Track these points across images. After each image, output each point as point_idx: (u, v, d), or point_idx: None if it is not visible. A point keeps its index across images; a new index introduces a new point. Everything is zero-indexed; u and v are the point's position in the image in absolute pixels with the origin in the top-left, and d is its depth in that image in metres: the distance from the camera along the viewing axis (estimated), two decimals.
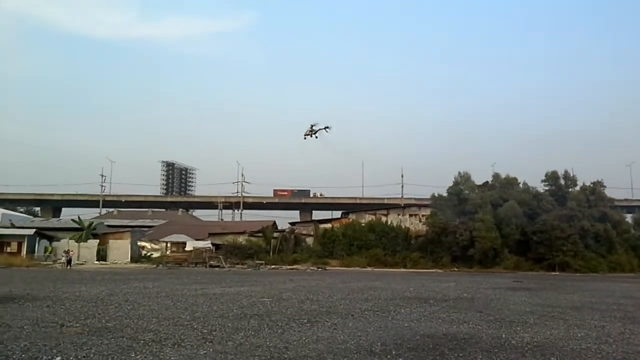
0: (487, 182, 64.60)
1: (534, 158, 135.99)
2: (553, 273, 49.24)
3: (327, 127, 42.38)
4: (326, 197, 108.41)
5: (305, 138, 42.49)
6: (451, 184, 60.96)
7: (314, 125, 42.26)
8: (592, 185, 61.21)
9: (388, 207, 72.44)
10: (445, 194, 60.47)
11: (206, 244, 53.52)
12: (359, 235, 55.87)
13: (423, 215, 62.02)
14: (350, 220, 61.74)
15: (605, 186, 61.92)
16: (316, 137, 42.65)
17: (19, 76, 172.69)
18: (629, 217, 64.42)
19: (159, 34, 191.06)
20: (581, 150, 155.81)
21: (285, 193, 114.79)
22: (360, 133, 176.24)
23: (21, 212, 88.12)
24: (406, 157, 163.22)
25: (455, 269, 50.08)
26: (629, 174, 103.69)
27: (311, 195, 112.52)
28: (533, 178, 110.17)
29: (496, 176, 64.58)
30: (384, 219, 61.13)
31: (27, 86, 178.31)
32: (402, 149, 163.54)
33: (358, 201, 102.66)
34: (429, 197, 63.69)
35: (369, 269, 48.13)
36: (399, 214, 64.07)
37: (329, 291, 20.78)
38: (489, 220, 53.18)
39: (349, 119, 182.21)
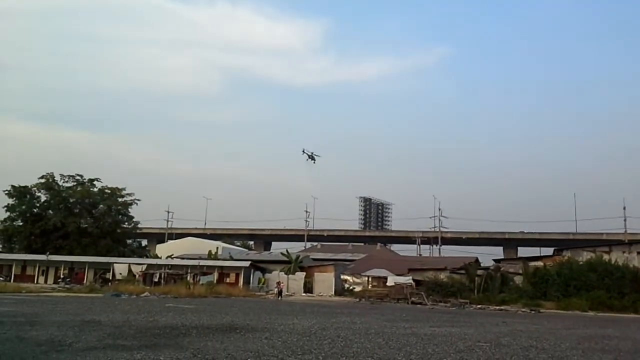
0: None
1: None
2: None
3: (305, 152, 42.08)
4: (533, 233, 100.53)
5: (307, 160, 42.57)
6: None
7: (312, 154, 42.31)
8: None
9: (610, 243, 63.98)
10: None
11: (407, 279, 52.57)
12: (576, 275, 49.68)
13: None
14: (565, 257, 55.65)
15: None
16: (313, 161, 41.59)
17: (229, 122, 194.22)
18: None
19: (355, 74, 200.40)
20: None
21: None
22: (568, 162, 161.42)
23: (238, 246, 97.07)
24: (628, 186, 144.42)
25: None
26: None
27: None
28: None
29: None
30: (605, 256, 53.85)
31: (237, 130, 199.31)
32: (621, 178, 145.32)
33: (571, 237, 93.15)
34: None
35: (591, 313, 42.48)
36: (624, 252, 55.97)
37: (554, 338, 18.31)
38: None
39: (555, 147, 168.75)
